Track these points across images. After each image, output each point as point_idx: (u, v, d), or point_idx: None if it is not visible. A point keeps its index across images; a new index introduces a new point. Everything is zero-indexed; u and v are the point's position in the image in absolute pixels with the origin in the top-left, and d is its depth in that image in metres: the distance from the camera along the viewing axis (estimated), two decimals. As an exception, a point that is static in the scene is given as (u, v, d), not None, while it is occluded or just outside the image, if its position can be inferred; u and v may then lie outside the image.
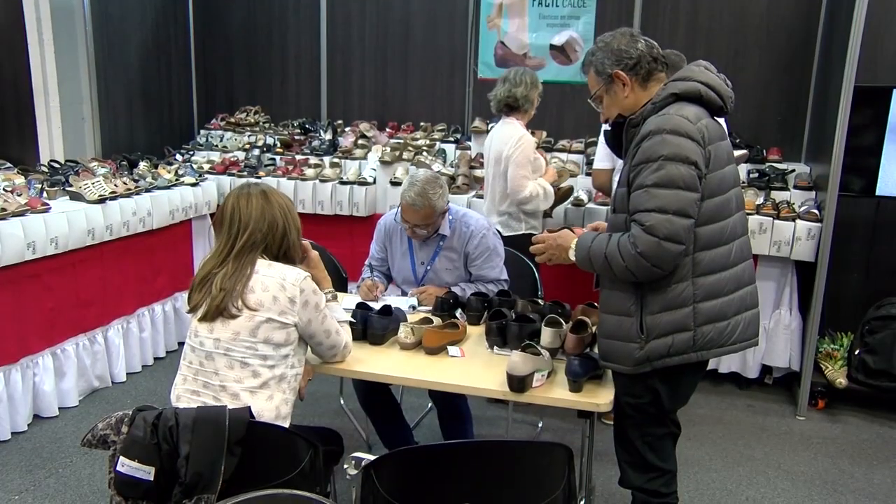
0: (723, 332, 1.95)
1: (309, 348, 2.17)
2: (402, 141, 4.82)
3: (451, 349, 2.39)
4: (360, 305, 2.59)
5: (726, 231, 1.94)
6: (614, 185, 2.65)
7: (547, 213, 3.80)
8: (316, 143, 4.99)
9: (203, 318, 1.98)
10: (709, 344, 1.95)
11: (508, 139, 3.47)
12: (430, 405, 3.44)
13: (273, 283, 1.98)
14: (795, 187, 4.03)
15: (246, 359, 1.96)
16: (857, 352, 3.75)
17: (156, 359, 4.22)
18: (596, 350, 2.25)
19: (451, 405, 2.96)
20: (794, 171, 4.17)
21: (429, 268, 2.99)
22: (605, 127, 2.21)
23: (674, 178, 1.82)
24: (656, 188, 1.83)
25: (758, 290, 2.10)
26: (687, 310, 1.91)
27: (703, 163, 1.86)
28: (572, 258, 2.04)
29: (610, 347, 2.02)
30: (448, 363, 2.32)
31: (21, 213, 3.28)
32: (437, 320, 2.54)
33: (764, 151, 4.32)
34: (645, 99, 1.99)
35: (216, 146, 5.24)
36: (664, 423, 2.08)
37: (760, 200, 3.93)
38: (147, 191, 4.09)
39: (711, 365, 2.94)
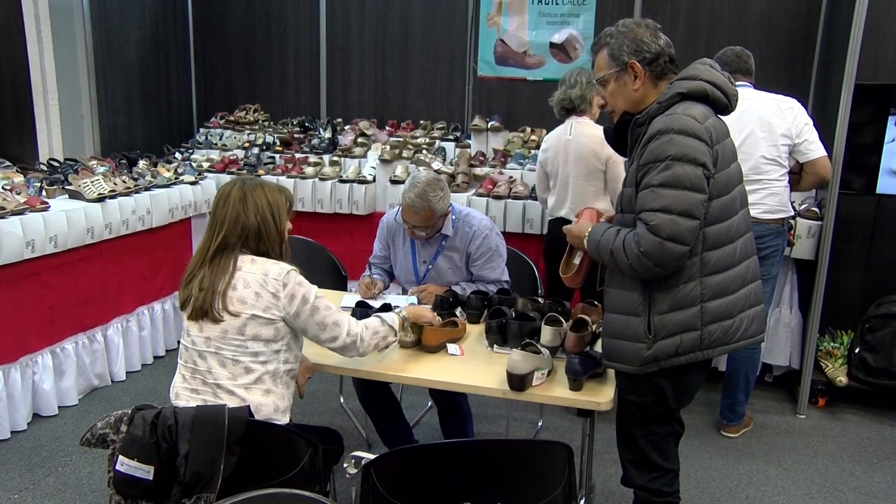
0: (728, 330, 1.94)
1: (306, 345, 2.16)
2: (401, 139, 4.82)
3: (451, 347, 2.38)
4: (360, 304, 2.59)
5: (732, 229, 1.92)
6: None
7: None
8: (315, 141, 4.99)
9: (191, 317, 2.00)
10: (715, 342, 1.94)
11: (597, 138, 3.29)
12: (430, 403, 3.44)
13: (255, 279, 1.98)
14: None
15: (237, 356, 1.97)
16: (857, 350, 3.75)
17: (155, 357, 4.22)
18: (597, 348, 2.25)
19: (451, 404, 2.96)
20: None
21: (430, 267, 2.99)
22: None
23: (680, 178, 1.80)
24: (662, 188, 1.82)
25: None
26: (695, 309, 1.90)
27: (711, 163, 1.84)
28: (586, 247, 2.05)
29: (616, 347, 2.00)
30: (448, 361, 2.32)
31: (20, 212, 3.27)
32: (436, 319, 2.53)
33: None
34: (653, 97, 1.97)
35: (215, 144, 5.24)
36: (668, 421, 2.07)
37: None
38: (146, 189, 4.09)
39: (712, 364, 2.94)
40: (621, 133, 2.06)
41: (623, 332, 1.97)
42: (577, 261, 2.25)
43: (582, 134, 3.46)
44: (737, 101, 1.99)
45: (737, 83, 3.21)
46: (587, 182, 3.44)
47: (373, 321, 2.22)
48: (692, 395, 2.10)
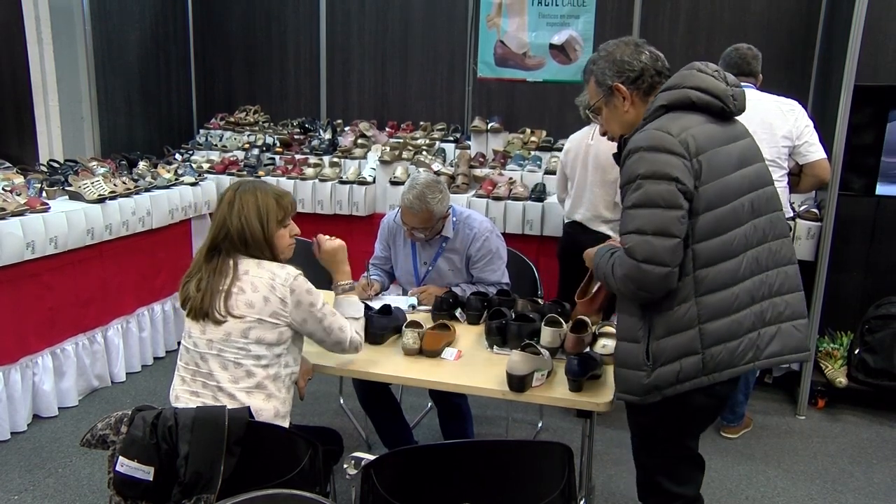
0: (734, 351, 1.79)
1: (305, 346, 2.17)
2: (401, 140, 4.82)
3: (447, 352, 2.36)
4: (360, 305, 2.59)
5: (733, 243, 1.78)
6: None
7: None
8: (315, 142, 4.99)
9: (191, 317, 2.00)
10: (720, 366, 1.79)
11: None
12: (430, 404, 3.44)
13: (262, 283, 1.98)
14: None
15: (239, 359, 1.97)
16: (856, 351, 3.75)
17: (155, 358, 4.22)
18: (596, 349, 2.26)
19: (451, 405, 2.96)
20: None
21: (431, 268, 2.99)
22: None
23: (651, 196, 1.71)
24: (635, 209, 1.74)
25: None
26: (692, 332, 1.77)
27: (687, 177, 1.72)
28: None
29: (620, 376, 1.89)
30: (448, 363, 2.32)
31: (20, 213, 3.27)
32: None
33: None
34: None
35: (216, 146, 5.24)
36: (676, 446, 1.97)
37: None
38: (146, 190, 4.09)
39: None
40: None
41: (626, 359, 1.86)
42: (594, 288, 2.22)
43: (603, 141, 3.43)
44: (736, 101, 1.85)
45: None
46: (602, 190, 3.39)
47: (353, 321, 2.23)
48: (703, 422, 1.97)
